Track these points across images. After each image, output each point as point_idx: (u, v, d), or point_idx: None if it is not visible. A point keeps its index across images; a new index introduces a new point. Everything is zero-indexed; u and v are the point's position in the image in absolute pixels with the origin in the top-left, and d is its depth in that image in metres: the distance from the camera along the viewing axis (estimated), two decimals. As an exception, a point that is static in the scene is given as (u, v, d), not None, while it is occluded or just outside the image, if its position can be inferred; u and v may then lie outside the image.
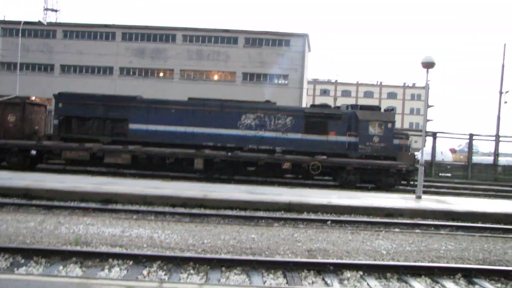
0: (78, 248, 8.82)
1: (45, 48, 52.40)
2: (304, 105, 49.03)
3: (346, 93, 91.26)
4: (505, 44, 37.48)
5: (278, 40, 52.26)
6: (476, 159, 36.13)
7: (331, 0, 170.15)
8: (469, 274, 8.43)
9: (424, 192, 19.21)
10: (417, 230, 12.66)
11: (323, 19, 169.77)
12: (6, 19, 54.13)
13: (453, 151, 49.59)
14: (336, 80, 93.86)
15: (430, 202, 16.59)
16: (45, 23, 48.12)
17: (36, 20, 45.76)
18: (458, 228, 13.24)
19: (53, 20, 64.49)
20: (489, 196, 22.79)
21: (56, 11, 70.17)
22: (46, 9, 69.68)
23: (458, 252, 10.15)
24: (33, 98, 24.99)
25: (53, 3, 70.06)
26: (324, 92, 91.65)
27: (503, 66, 37.24)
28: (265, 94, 39.61)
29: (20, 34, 44.69)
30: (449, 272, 8.48)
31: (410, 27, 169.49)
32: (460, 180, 30.63)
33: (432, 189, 23.66)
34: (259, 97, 33.02)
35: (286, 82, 51.71)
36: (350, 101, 71.43)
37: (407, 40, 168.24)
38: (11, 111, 23.22)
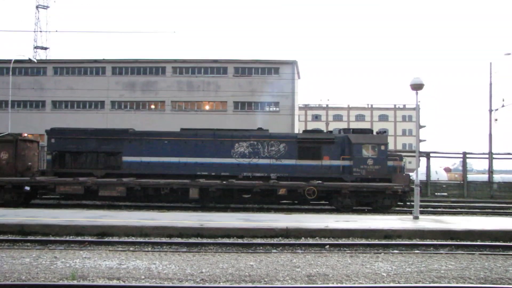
0: (75, 282, 8.70)
1: (36, 85, 52.57)
2: (296, 131, 49.22)
3: (337, 117, 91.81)
4: (491, 63, 37.89)
5: (267, 68, 52.74)
6: (471, 177, 36.20)
7: (319, 26, 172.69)
8: (471, 293, 8.37)
9: (421, 212, 19.16)
10: (416, 251, 12.60)
11: (312, 45, 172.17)
12: (-4, 58, 54.37)
13: (447, 170, 49.72)
14: (327, 105, 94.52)
15: (427, 222, 16.51)
16: (36, 61, 48.37)
17: (26, 58, 46.00)
18: (458, 247, 13.18)
19: (43, 58, 64.84)
20: (487, 214, 22.76)
21: (46, 49, 70.63)
22: (36, 47, 70.13)
23: (458, 271, 10.08)
24: (25, 134, 25.02)
25: (42, 41, 70.40)
26: (316, 118, 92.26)
27: (490, 84, 37.62)
28: (257, 122, 39.77)
29: (10, 73, 44.83)
30: (451, 291, 8.41)
31: (399, 49, 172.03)
32: (456, 199, 30.63)
33: (429, 209, 23.64)
34: (251, 125, 33.16)
35: (277, 109, 52.01)
36: (342, 125, 71.91)
37: (396, 62, 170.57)
38: (4, 149, 23.17)
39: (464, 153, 34.00)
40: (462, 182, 34.12)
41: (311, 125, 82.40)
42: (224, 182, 22.07)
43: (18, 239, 13.12)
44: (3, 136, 23.85)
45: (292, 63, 52.80)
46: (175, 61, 53.35)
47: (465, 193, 32.61)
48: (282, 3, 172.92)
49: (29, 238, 13.39)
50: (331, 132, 26.30)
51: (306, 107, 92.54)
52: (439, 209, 24.07)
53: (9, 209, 18.96)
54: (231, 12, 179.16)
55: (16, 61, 46.46)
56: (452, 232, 14.62)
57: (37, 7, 70.18)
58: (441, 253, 12.22)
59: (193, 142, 23.56)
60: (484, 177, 37.56)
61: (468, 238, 14.27)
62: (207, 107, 53.25)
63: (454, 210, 24.12)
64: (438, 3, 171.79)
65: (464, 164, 34.51)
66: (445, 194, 32.47)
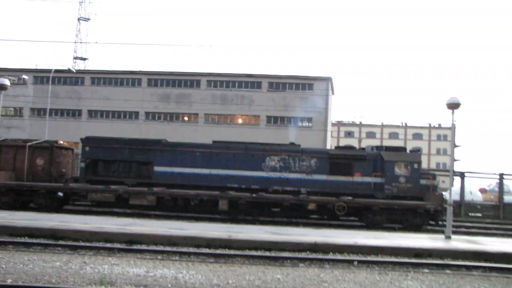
0: (103, 287, 8.77)
1: (73, 94, 53.91)
2: (328, 147, 48.94)
3: (370, 135, 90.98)
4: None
5: (302, 84, 52.65)
6: (508, 199, 35.04)
7: (354, 42, 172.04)
8: (505, 316, 8.08)
9: (454, 233, 18.67)
10: (448, 271, 12.27)
11: (347, 61, 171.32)
12: (38, 67, 56.07)
13: (483, 191, 48.21)
14: (361, 122, 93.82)
15: (460, 243, 16.08)
16: (74, 71, 49.59)
17: (65, 68, 47.24)
18: (492, 269, 12.73)
19: (82, 68, 66.46)
20: (524, 237, 21.96)
21: (84, 59, 72.40)
22: (76, 58, 71.98)
23: (492, 294, 9.76)
24: (61, 142, 25.59)
25: (82, 52, 72.24)
26: (349, 134, 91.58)
27: (530, 105, 36.71)
28: (289, 137, 39.65)
29: (50, 82, 46.18)
30: (484, 314, 8.13)
31: (434, 67, 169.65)
32: (492, 220, 29.72)
33: (462, 229, 22.99)
34: (283, 140, 33.08)
35: (310, 124, 51.83)
36: (375, 142, 71.13)
37: (431, 80, 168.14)
38: (40, 155, 23.75)
39: (501, 174, 33.08)
40: (498, 203, 33.15)
41: (344, 142, 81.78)
42: (254, 195, 22.04)
43: (49, 243, 13.36)
44: (40, 142, 24.45)
45: (327, 79, 52.65)
46: (210, 74, 53.89)
47: (501, 215, 31.65)
48: (317, 20, 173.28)
49: (60, 242, 13.62)
50: (363, 149, 26.01)
51: (339, 124, 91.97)
52: (472, 230, 23.43)
53: (43, 214, 19.35)
54: (266, 28, 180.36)
55: (56, 71, 47.81)
56: (486, 253, 14.17)
57: (78, 19, 72.24)
58: (474, 275, 11.86)
59: (225, 155, 23.65)
60: (522, 200, 36.35)
61: (503, 261, 13.77)
62: (240, 121, 53.49)
63: (489, 231, 23.44)
64: (478, 25, 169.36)
65: (501, 185, 33.52)
66: (480, 215, 31.58)
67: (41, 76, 54.29)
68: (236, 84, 53.40)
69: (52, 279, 9.33)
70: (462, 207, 31.49)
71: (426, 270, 12.17)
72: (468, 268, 12.71)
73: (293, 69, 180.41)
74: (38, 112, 53.84)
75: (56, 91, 51.59)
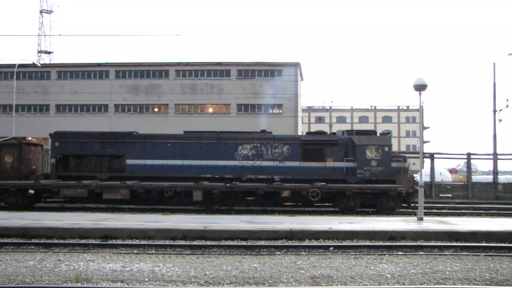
0: (79, 285, 8.71)
1: (40, 89, 52.76)
2: (299, 133, 49.17)
3: (341, 119, 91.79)
4: (494, 63, 37.60)
5: (270, 70, 52.66)
6: (475, 178, 36.03)
7: (322, 27, 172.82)
8: (476, 294, 8.32)
9: (426, 214, 19.09)
10: (421, 252, 12.54)
11: (315, 47, 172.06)
12: (1, 62, 54.59)
13: (452, 171, 49.37)
14: (331, 107, 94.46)
15: (432, 224, 16.45)
16: (39, 65, 48.50)
17: (30, 62, 46.10)
18: (463, 248, 13.10)
19: (47, 62, 64.99)
20: (492, 215, 22.64)
21: (49, 53, 70.75)
22: (40, 52, 70.31)
23: (464, 273, 10.02)
24: (29, 138, 25.09)
25: (46, 45, 70.55)
26: (319, 120, 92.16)
27: (494, 85, 37.32)
28: (260, 124, 39.72)
29: (14, 77, 45.05)
30: (456, 293, 8.36)
31: (401, 51, 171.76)
32: (461, 200, 30.49)
33: (434, 211, 23.57)
34: (255, 128, 33.10)
35: (280, 111, 51.94)
36: (346, 127, 71.78)
37: (399, 63, 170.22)
38: (8, 152, 23.26)
39: (469, 154, 33.83)
40: (466, 183, 33.96)
41: (315, 127, 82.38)
42: (228, 184, 22.04)
43: (22, 242, 13.16)
44: (7, 139, 23.93)
45: (295, 65, 52.75)
46: (178, 64, 53.42)
47: (469, 194, 32.44)
48: (284, 5, 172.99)
49: (33, 241, 13.43)
50: (334, 133, 26.24)
51: (309, 109, 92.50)
52: (443, 211, 23.99)
53: (14, 212, 18.99)
54: (233, 15, 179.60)
55: (20, 66, 46.72)
56: (457, 233, 14.55)
57: (41, 11, 70.40)
58: (446, 255, 12.16)
59: (197, 145, 23.58)
60: (489, 178, 37.38)
61: (473, 240, 14.19)
62: (210, 110, 53.27)
63: (459, 211, 24.02)
64: (440, 4, 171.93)
65: (468, 165, 34.34)
66: (450, 195, 32.32)
67: (4, 72, 52.98)
68: (205, 73, 53.08)
69: (26, 278, 9.16)
70: (433, 188, 32.15)
71: (400, 253, 12.41)
72: (440, 248, 13.05)
73: (262, 55, 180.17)
74: (4, 108, 52.54)
75: (21, 86, 50.48)
